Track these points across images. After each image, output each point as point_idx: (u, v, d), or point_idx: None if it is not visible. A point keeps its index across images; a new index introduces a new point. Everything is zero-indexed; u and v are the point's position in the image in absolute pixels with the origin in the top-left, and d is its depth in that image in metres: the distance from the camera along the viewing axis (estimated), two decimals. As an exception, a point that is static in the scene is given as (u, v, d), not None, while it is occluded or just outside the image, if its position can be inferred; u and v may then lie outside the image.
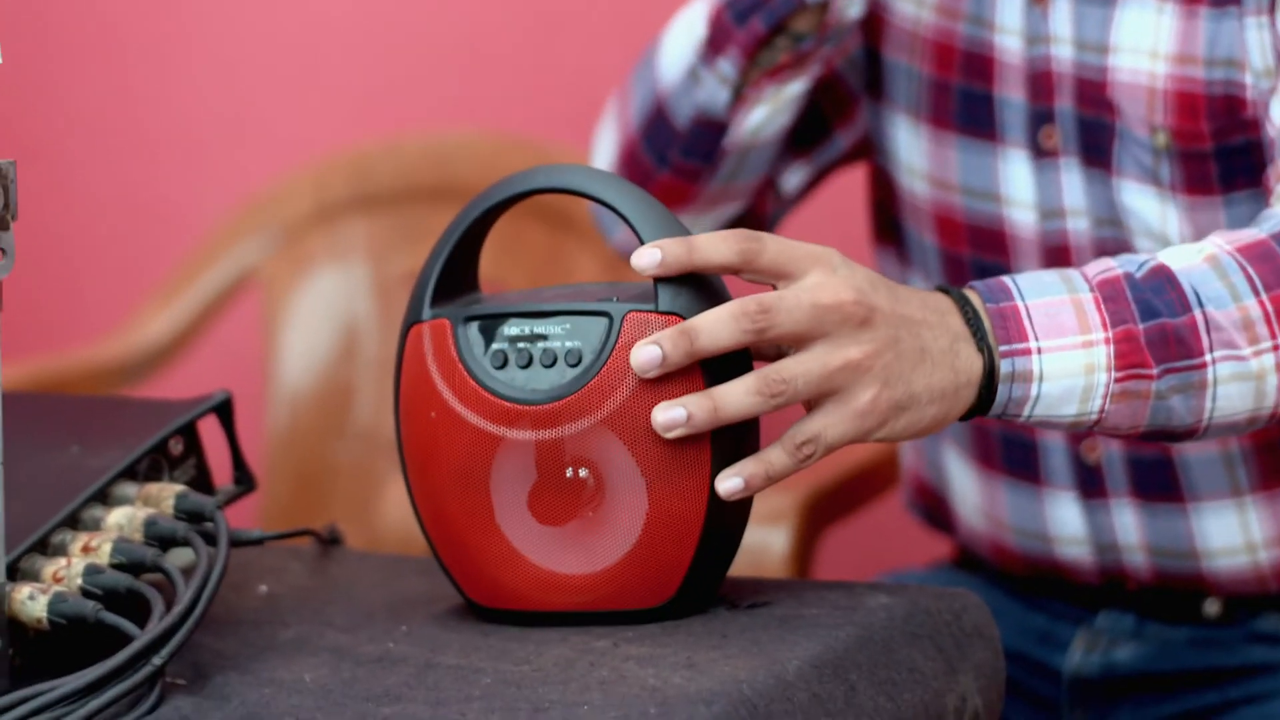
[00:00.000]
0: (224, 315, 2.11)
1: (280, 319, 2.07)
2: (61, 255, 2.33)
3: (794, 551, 1.72)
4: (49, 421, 1.25)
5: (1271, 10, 1.36)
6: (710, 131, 1.49)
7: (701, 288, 1.11)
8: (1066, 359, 1.18)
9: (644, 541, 1.10)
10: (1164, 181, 1.41)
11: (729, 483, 1.10)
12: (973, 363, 1.16)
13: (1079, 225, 1.46)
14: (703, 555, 1.11)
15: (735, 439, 1.10)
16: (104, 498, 1.14)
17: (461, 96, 2.26)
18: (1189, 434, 1.23)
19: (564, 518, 1.11)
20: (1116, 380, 1.19)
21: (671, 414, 1.09)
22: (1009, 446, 1.50)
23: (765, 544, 1.70)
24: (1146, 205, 1.42)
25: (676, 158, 1.51)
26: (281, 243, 2.09)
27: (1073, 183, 1.45)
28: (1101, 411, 1.19)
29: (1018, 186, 1.48)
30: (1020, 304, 1.19)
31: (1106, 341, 1.19)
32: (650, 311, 1.09)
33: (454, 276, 1.15)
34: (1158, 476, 1.45)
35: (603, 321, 1.10)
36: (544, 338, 1.11)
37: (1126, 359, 1.19)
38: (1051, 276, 1.22)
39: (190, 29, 2.28)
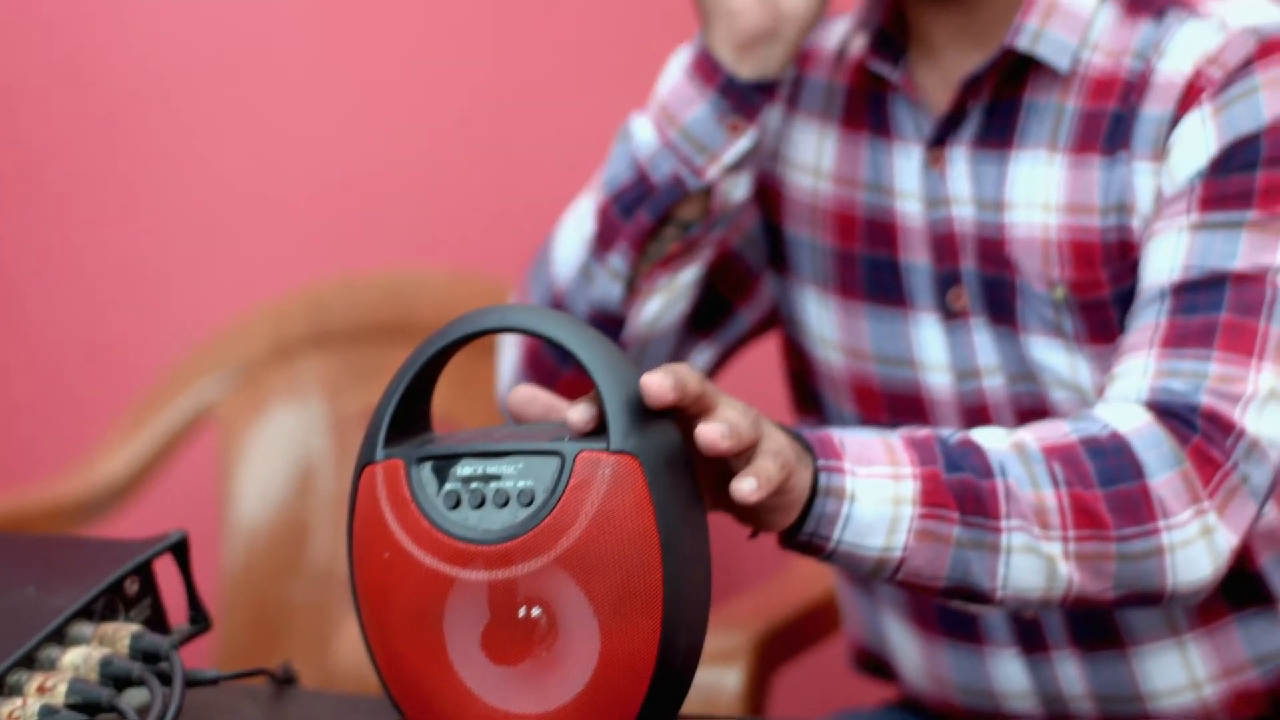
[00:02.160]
0: (181, 453, 2.11)
1: (236, 456, 2.08)
2: (18, 393, 2.34)
3: (747, 690, 1.72)
4: (5, 561, 1.26)
5: (1161, 158, 1.38)
6: (608, 326, 1.48)
7: (650, 424, 1.12)
8: (876, 486, 1.21)
9: (597, 681, 1.10)
10: (1068, 334, 1.42)
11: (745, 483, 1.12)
12: (805, 475, 1.19)
13: (994, 383, 1.46)
14: (655, 695, 1.11)
15: (686, 581, 1.11)
16: (60, 637, 1.14)
17: (418, 234, 2.28)
18: (987, 598, 1.26)
19: (517, 657, 1.11)
20: (920, 516, 1.22)
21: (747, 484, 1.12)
22: (947, 609, 1.50)
23: (718, 683, 1.70)
24: (1055, 359, 1.43)
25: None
26: (238, 380, 2.10)
27: (984, 342, 1.46)
28: (906, 549, 1.22)
29: (931, 350, 1.48)
30: (836, 436, 1.22)
31: (914, 477, 1.22)
32: (602, 450, 1.10)
33: (407, 415, 1.15)
34: (1097, 625, 1.46)
35: (554, 461, 1.11)
36: (497, 478, 1.11)
37: (931, 497, 1.22)
38: (867, 430, 1.25)
39: (148, 166, 2.30)
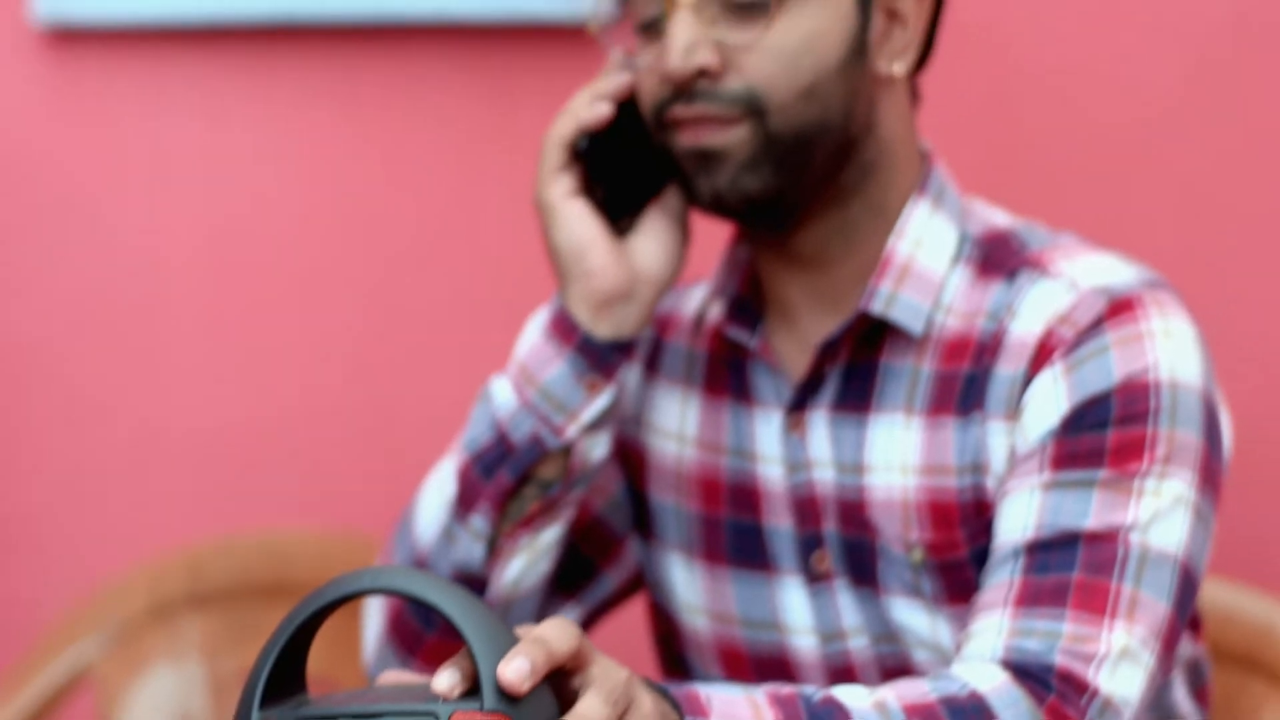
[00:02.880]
0: (58, 716, 2.09)
1: (115, 718, 2.06)
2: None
3: None
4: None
5: (1014, 417, 1.40)
6: (472, 587, 1.48)
7: None
8: None
9: None
10: (927, 595, 1.43)
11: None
12: None
13: (859, 644, 1.47)
14: None
15: None
16: None
17: (296, 494, 2.29)
18: None
19: None
20: None
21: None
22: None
23: None
24: (916, 620, 1.44)
25: (441, 617, 1.48)
26: (116, 641, 2.08)
27: (848, 604, 1.46)
28: None
29: (796, 613, 1.49)
30: (703, 692, 1.22)
31: None
32: (475, 710, 1.10)
33: (283, 677, 1.16)
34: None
35: None
36: (371, 738, 1.12)
37: None
38: (734, 686, 1.26)
39: (25, 420, 2.30)
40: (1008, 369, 1.40)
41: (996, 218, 1.51)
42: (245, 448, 2.29)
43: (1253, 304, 1.97)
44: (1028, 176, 2.04)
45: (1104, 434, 1.36)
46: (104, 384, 2.30)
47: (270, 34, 2.26)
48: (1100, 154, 2.02)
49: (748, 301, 1.51)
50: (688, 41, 1.38)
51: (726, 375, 1.52)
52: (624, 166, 1.47)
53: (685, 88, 1.39)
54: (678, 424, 1.54)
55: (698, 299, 1.58)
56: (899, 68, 1.45)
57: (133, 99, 2.28)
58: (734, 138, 1.40)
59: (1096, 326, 1.39)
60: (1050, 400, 1.38)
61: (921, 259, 1.45)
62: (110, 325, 2.31)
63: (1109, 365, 1.37)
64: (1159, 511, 1.34)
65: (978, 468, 1.41)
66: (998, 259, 1.46)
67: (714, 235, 2.16)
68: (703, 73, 1.40)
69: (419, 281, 2.26)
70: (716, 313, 1.54)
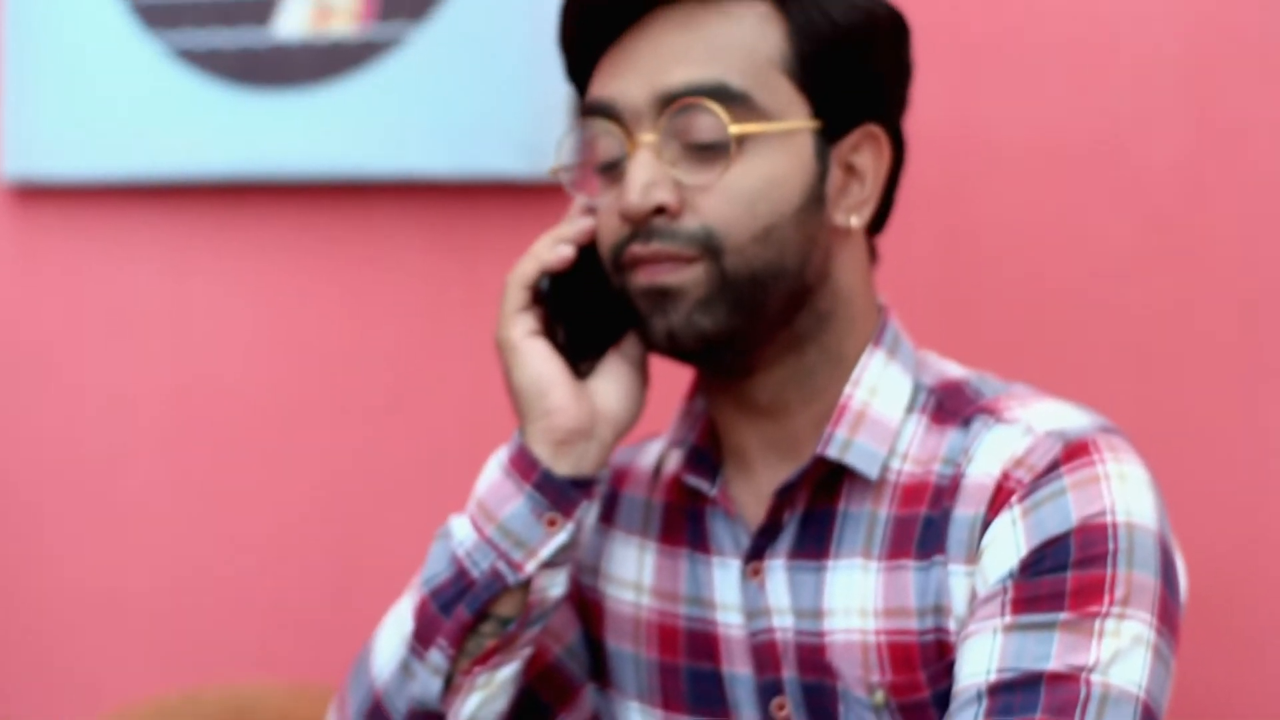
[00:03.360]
0: None
1: None
2: None
3: None
4: None
5: (974, 559, 1.40)
6: None
7: None
8: None
9: None
10: None
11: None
12: None
13: None
14: None
15: None
16: None
17: (260, 647, 2.28)
18: None
19: None
20: None
21: None
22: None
23: None
24: None
25: None
26: (79, 797, 2.07)
27: None
28: None
29: None
30: None
31: None
32: None
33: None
34: None
35: None
36: None
37: None
38: None
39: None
40: (966, 511, 1.42)
41: (950, 369, 1.53)
42: (209, 600, 2.29)
43: (1204, 452, 2.00)
44: (982, 329, 2.06)
45: (1064, 576, 1.36)
46: (67, 535, 2.30)
47: (233, 191, 2.28)
48: (1054, 307, 2.04)
49: (706, 451, 1.52)
50: (646, 180, 1.40)
51: (683, 525, 1.53)
52: (584, 309, 1.48)
53: (643, 225, 1.41)
54: (635, 574, 1.55)
55: (654, 452, 1.60)
56: (856, 221, 1.47)
57: (98, 255, 2.30)
58: (690, 276, 1.41)
59: (1053, 470, 1.40)
60: (1009, 543, 1.38)
61: (877, 406, 1.46)
62: (75, 477, 2.31)
63: (1066, 508, 1.38)
64: (1119, 651, 1.35)
65: (939, 610, 1.41)
66: (952, 407, 1.48)
67: (671, 389, 2.18)
68: (660, 210, 1.41)
69: (382, 435, 2.27)
70: (674, 464, 1.56)
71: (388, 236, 2.25)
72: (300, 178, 2.24)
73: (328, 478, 2.26)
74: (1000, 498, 1.40)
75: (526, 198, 2.22)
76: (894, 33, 1.48)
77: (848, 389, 1.47)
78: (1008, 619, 1.37)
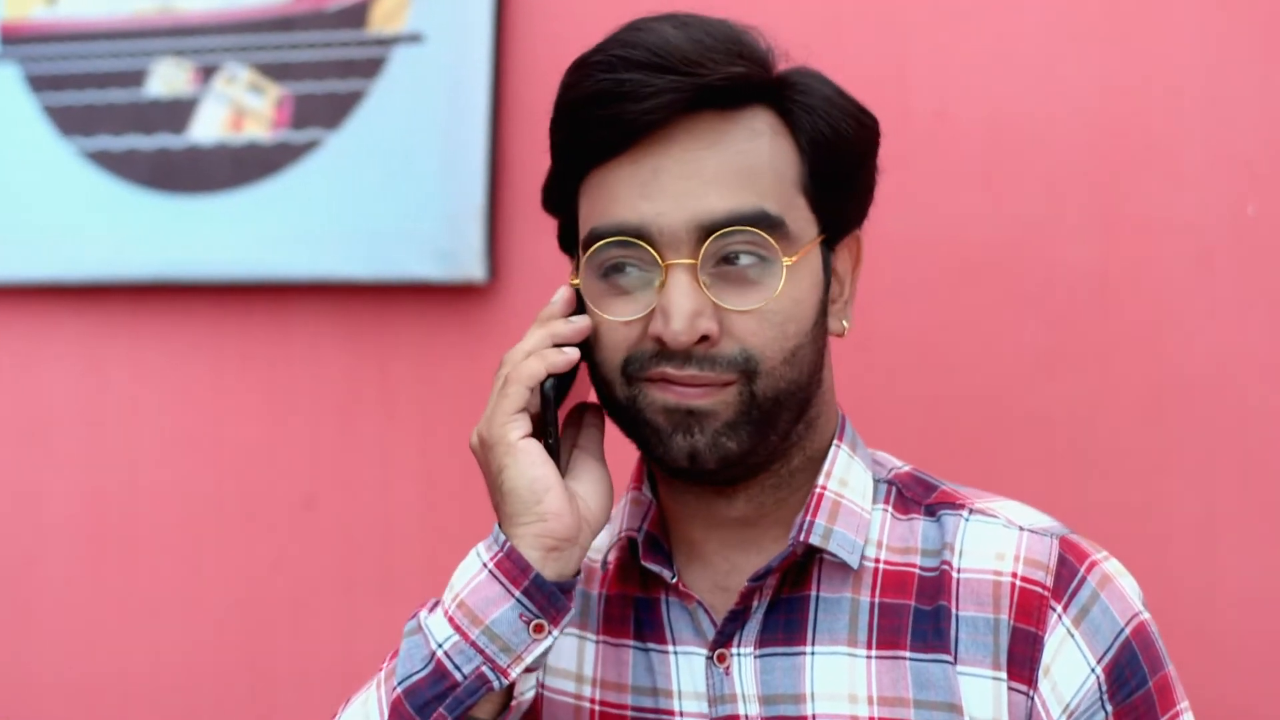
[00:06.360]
0: None
1: None
2: None
3: None
4: None
5: (1008, 667, 1.40)
6: None
7: None
8: None
9: None
10: None
11: None
12: None
13: None
14: None
15: None
16: None
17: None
18: None
19: None
20: None
21: None
22: None
23: None
24: None
25: None
26: None
27: None
28: None
29: None
30: None
31: None
32: None
33: None
34: None
35: None
36: None
37: None
38: None
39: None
40: (978, 613, 1.41)
41: (895, 461, 1.54)
42: (123, 701, 2.28)
43: (1110, 548, 2.01)
44: (892, 431, 2.08)
45: (1147, 688, 1.39)
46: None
47: (148, 292, 2.28)
48: (965, 408, 2.06)
49: (659, 540, 1.51)
50: (691, 309, 1.38)
51: (628, 616, 1.52)
52: (561, 406, 1.46)
53: (681, 353, 1.39)
54: (575, 665, 1.53)
55: (597, 545, 1.58)
56: (846, 324, 1.47)
57: (11, 355, 2.29)
58: (722, 400, 1.40)
59: (1069, 569, 1.41)
60: (1074, 655, 1.40)
61: (849, 497, 1.46)
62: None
63: (1109, 610, 1.40)
64: None
65: (951, 708, 1.40)
66: (912, 496, 1.48)
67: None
68: (702, 339, 1.39)
69: (296, 534, 2.26)
70: (615, 556, 1.54)
71: (302, 338, 2.26)
72: (215, 279, 2.24)
73: (242, 577, 2.25)
74: (1027, 602, 1.41)
75: (440, 300, 2.23)
76: (876, 138, 1.48)
77: (821, 480, 1.47)
78: None
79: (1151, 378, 2.04)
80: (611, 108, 1.39)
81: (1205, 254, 2.02)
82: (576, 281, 1.46)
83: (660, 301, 1.40)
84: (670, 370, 1.40)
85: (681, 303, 1.38)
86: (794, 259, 1.40)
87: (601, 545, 1.58)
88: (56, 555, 2.28)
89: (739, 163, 1.40)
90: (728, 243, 1.39)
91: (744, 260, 1.39)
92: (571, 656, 1.54)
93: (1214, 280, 2.02)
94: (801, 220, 1.42)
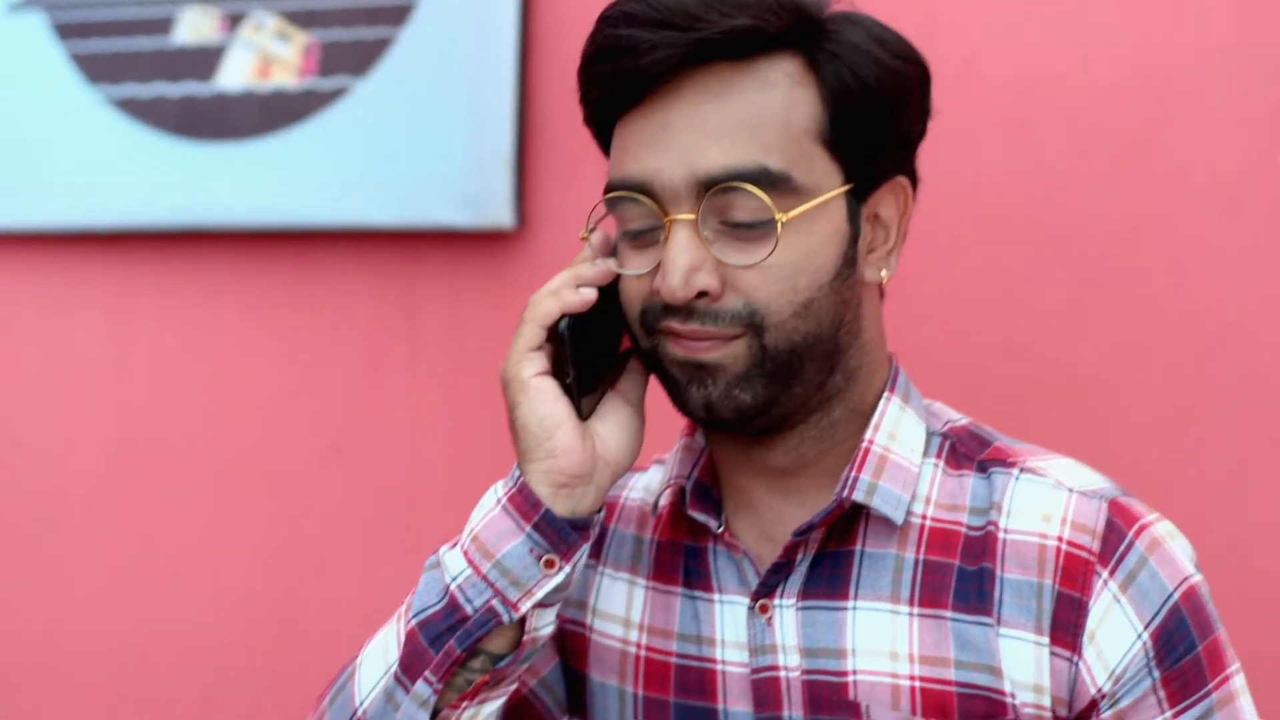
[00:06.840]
0: None
1: None
2: None
3: None
4: None
5: (1050, 632, 1.39)
6: None
7: None
8: None
9: None
10: None
11: None
12: None
13: None
14: None
15: None
16: None
17: (203, 699, 2.27)
18: None
19: None
20: None
21: None
22: None
23: None
24: None
25: None
26: None
27: None
28: None
29: None
30: None
31: None
32: None
33: None
34: None
35: None
36: None
37: None
38: None
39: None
40: (1022, 576, 1.40)
41: (953, 414, 1.53)
42: (149, 652, 2.29)
43: (1141, 497, 2.02)
44: (920, 380, 2.08)
45: (1196, 653, 1.39)
46: (1, 584, 2.30)
47: (174, 239, 2.29)
48: (990, 356, 2.06)
49: (709, 487, 1.51)
50: (688, 264, 1.37)
51: (678, 563, 1.52)
52: (591, 350, 1.46)
53: (684, 308, 1.39)
54: (624, 609, 1.53)
55: (642, 487, 1.59)
56: (885, 274, 1.46)
57: (37, 303, 2.30)
58: (730, 353, 1.40)
59: (1118, 534, 1.40)
60: (1121, 621, 1.39)
61: (897, 451, 1.45)
62: (11, 527, 2.30)
63: (1158, 575, 1.39)
64: (1246, 699, 1.40)
65: (991, 670, 1.40)
66: (965, 451, 1.47)
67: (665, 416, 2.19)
68: (702, 294, 1.39)
69: (323, 481, 2.27)
70: (667, 501, 1.54)
71: (329, 285, 2.26)
72: (241, 227, 2.24)
73: (269, 524, 2.26)
74: (1072, 567, 1.40)
75: (466, 247, 2.23)
76: (921, 86, 1.47)
77: (868, 434, 1.46)
78: (1169, 715, 1.39)
79: (1180, 326, 2.04)
80: (613, 62, 1.39)
81: (1233, 203, 2.02)
82: (584, 234, 1.47)
83: (662, 257, 1.40)
84: (675, 324, 1.40)
85: (678, 258, 1.38)
86: (791, 215, 1.38)
87: (654, 489, 1.57)
88: (83, 500, 2.29)
89: (744, 115, 1.38)
90: (726, 197, 1.38)
91: (745, 216, 1.38)
92: (621, 601, 1.54)
93: (1242, 229, 2.02)
94: (818, 172, 1.40)
